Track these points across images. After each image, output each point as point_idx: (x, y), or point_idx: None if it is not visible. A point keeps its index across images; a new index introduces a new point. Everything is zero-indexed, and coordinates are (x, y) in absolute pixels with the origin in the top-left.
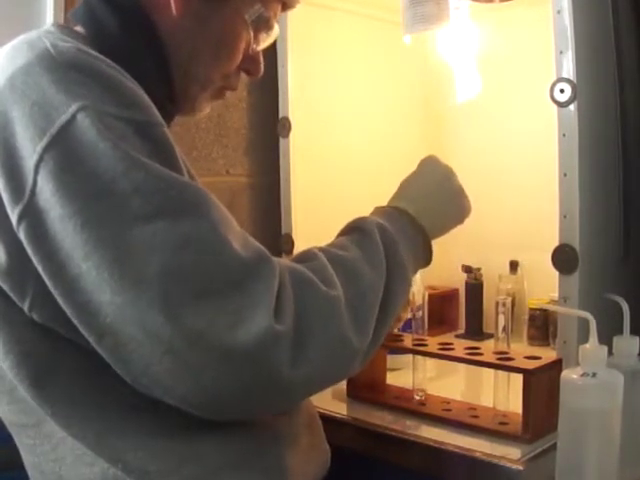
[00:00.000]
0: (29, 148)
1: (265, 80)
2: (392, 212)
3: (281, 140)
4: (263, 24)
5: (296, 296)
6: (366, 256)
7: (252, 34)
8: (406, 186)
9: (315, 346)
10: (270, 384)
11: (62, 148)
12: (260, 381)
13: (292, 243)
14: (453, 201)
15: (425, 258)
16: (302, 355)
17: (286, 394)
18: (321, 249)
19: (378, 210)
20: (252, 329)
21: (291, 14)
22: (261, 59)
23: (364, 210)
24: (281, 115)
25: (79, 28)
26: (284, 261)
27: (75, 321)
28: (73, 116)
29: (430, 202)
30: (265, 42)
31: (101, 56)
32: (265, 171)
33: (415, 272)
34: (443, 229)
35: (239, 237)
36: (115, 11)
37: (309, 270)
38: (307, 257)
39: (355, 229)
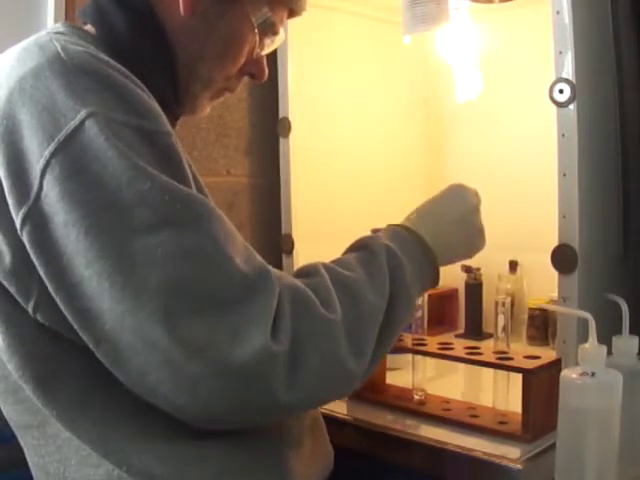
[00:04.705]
0: (36, 152)
1: (265, 80)
2: (404, 235)
3: (281, 140)
4: (269, 28)
5: (294, 316)
6: (370, 278)
7: (258, 38)
8: (429, 209)
9: (310, 368)
10: (264, 402)
11: (69, 154)
12: (254, 398)
13: (292, 243)
14: (470, 238)
15: (432, 282)
16: (297, 377)
17: (280, 412)
18: (325, 266)
19: (391, 229)
20: (249, 346)
21: None
22: (265, 64)
23: (363, 210)
24: (281, 115)
25: (88, 27)
26: (286, 277)
27: (75, 325)
28: (81, 122)
29: (449, 233)
30: (269, 47)
31: (112, 62)
32: (265, 171)
33: (420, 295)
34: (451, 261)
35: (241, 251)
36: (124, 10)
37: (310, 289)
38: (310, 273)
39: (363, 247)
